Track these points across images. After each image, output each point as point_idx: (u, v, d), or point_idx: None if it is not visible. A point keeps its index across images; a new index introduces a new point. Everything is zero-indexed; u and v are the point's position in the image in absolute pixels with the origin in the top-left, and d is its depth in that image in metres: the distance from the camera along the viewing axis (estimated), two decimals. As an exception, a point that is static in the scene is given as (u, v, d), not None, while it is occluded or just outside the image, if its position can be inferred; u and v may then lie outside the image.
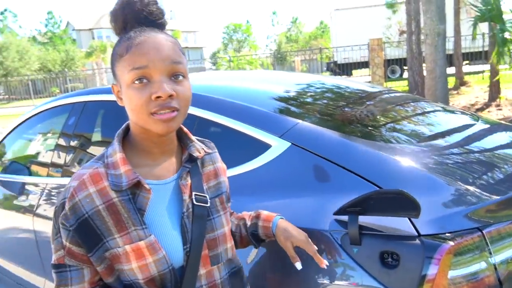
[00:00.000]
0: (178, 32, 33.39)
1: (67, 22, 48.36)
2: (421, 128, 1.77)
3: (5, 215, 2.40)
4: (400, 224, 1.09)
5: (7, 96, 28.26)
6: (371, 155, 1.31)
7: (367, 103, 2.04)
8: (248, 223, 1.17)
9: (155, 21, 0.89)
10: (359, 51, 16.17)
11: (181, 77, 0.85)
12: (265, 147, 1.43)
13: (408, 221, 1.09)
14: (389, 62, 17.51)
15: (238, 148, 1.51)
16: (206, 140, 1.08)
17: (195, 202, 0.94)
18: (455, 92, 11.12)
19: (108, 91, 2.04)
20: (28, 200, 2.25)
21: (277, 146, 1.41)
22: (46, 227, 2.09)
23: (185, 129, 1.00)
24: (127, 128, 0.94)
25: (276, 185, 1.37)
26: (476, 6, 7.09)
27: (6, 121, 15.30)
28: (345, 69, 19.61)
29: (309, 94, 2.05)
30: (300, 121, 1.47)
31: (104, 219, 0.84)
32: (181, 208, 0.93)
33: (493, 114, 7.80)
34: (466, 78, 12.75)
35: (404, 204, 1.03)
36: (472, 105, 8.96)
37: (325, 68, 22.07)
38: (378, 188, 1.18)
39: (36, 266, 2.23)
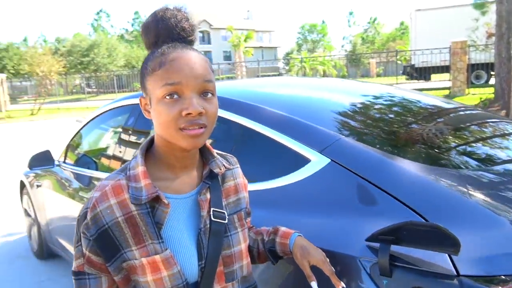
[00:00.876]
0: (252, 33, 33.92)
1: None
2: (484, 152, 1.61)
3: (73, 203, 2.61)
4: (438, 260, 0.99)
5: (96, 90, 30.83)
6: (420, 181, 1.21)
7: (428, 121, 1.89)
8: (266, 238, 1.15)
9: (187, 38, 0.90)
10: (439, 54, 15.17)
11: (210, 95, 0.86)
12: (304, 161, 1.39)
13: (448, 258, 0.99)
14: (473, 67, 16.22)
15: (276, 160, 1.49)
16: (229, 154, 1.08)
17: (212, 218, 0.94)
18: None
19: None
20: (90, 191, 2.42)
21: (316, 161, 1.36)
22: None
23: (207, 144, 1.00)
24: (151, 141, 0.96)
25: (311, 202, 1.32)
26: None
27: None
28: (423, 73, 18.53)
29: (364, 106, 1.96)
30: (342, 136, 1.40)
31: (123, 231, 0.87)
32: (198, 223, 0.93)
33: None
34: None
35: (441, 239, 0.94)
36: None
37: (401, 72, 21.01)
38: (421, 219, 1.09)
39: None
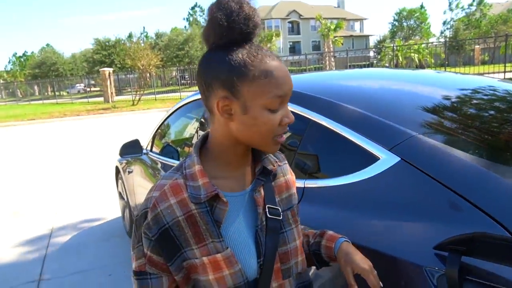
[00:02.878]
0: (342, 22, 32.91)
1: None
2: None
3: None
4: (516, 277, 0.87)
5: (189, 81, 32.64)
6: (505, 188, 1.06)
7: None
8: (312, 241, 1.11)
9: (255, 34, 0.85)
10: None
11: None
12: (372, 159, 1.31)
13: (528, 276, 0.86)
14: None
15: (344, 157, 1.43)
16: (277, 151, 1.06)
17: (268, 215, 0.93)
18: None
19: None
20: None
21: (385, 159, 1.27)
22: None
23: None
24: (204, 140, 0.96)
25: (377, 202, 1.24)
26: None
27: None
28: (538, 60, 16.33)
29: (454, 102, 1.77)
30: (416, 133, 1.29)
31: (183, 230, 0.87)
32: (255, 220, 0.93)
33: None
34: None
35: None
36: None
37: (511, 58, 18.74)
38: (504, 230, 0.96)
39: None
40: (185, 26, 53.37)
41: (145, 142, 3.52)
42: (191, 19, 55.26)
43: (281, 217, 0.95)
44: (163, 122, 3.23)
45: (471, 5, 51.73)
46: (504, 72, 15.66)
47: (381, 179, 1.26)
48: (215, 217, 0.88)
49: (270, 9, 51.86)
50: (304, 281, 1.01)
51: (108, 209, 4.98)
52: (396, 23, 59.55)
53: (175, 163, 2.72)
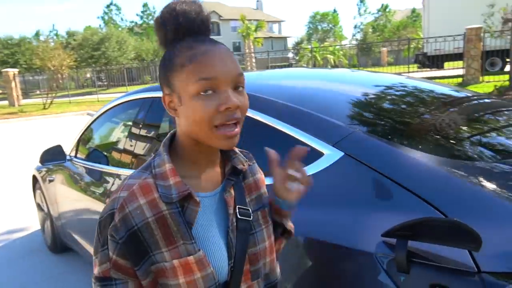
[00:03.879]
0: (263, 23, 33.67)
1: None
2: (504, 143, 1.55)
3: (84, 197, 2.62)
4: (457, 256, 0.96)
5: (106, 83, 31.01)
6: (437, 174, 1.17)
7: (443, 111, 1.84)
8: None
9: (206, 30, 0.86)
10: (453, 42, 14.86)
11: (241, 88, 0.84)
12: (317, 155, 1.36)
13: (468, 254, 0.95)
14: (487, 54, 15.87)
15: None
16: (245, 151, 1.05)
17: (239, 216, 0.91)
18: None
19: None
20: (102, 187, 2.43)
21: (330, 155, 1.33)
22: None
23: None
24: (172, 138, 0.93)
25: (324, 196, 1.29)
26: None
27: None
28: (435, 61, 18.20)
29: (378, 98, 1.91)
30: (357, 129, 1.37)
31: (153, 232, 0.82)
32: (226, 222, 0.91)
33: None
34: None
35: (461, 234, 0.90)
36: None
37: (413, 60, 20.67)
38: (440, 214, 1.05)
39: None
40: (100, 25, 50.65)
41: (68, 148, 3.27)
42: (106, 17, 52.54)
43: (251, 218, 0.94)
44: (88, 127, 3.03)
45: (379, 10, 56.06)
46: (408, 72, 17.21)
47: (327, 174, 1.31)
48: (187, 218, 0.85)
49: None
50: (272, 281, 1.00)
51: (24, 222, 4.54)
52: (311, 26, 62.43)
53: (103, 168, 2.56)
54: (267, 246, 0.97)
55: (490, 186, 1.12)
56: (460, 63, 16.08)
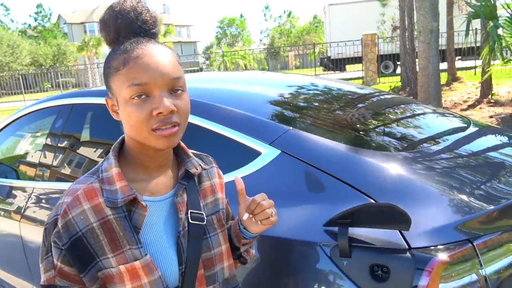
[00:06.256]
0: (172, 27, 33.16)
1: (58, 16, 47.75)
2: (411, 133, 1.76)
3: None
4: (390, 236, 1.07)
5: (-3, 91, 27.85)
6: (364, 164, 1.29)
7: (358, 107, 2.02)
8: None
9: (149, 31, 0.85)
10: (353, 46, 16.15)
11: (180, 91, 0.83)
12: (254, 154, 1.40)
13: (399, 234, 1.07)
14: (382, 58, 17.52)
15: (227, 155, 1.48)
16: (204, 154, 1.05)
17: (190, 221, 0.91)
18: (448, 88, 11.13)
19: (95, 94, 2.00)
20: (15, 203, 2.21)
21: (267, 153, 1.38)
22: (33, 232, 2.06)
23: (182, 143, 0.97)
24: (122, 142, 0.91)
25: (266, 193, 1.34)
26: (469, 3, 7.09)
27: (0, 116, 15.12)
28: (338, 64, 19.58)
29: (299, 97, 2.02)
30: (290, 127, 1.44)
31: (98, 237, 0.81)
32: (176, 226, 0.90)
33: (484, 111, 7.83)
34: (459, 73, 12.77)
35: (394, 217, 1.02)
36: (465, 101, 8.98)
37: (318, 63, 22.02)
38: (371, 200, 1.16)
39: (23, 272, 2.19)
40: (-16, 27, 45.42)
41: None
42: (-8, 18, 47.33)
43: (205, 222, 0.94)
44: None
45: (280, 16, 58.56)
46: (315, 75, 18.32)
47: (266, 172, 1.36)
48: (133, 223, 0.84)
49: (91, 12, 48.38)
50: (233, 286, 1.01)
51: None
52: (220, 30, 62.97)
53: (16, 183, 2.33)
54: (223, 251, 0.98)
55: (409, 172, 1.27)
56: (360, 66, 17.49)
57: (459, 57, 16.59)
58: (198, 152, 1.04)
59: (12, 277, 2.37)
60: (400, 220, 1.01)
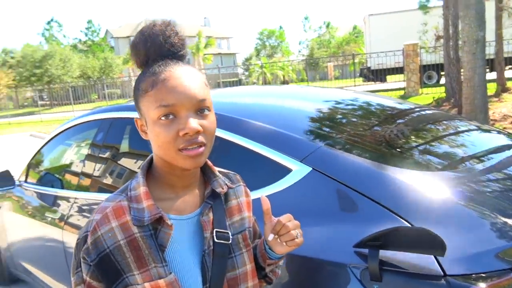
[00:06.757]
0: (213, 40, 33.91)
1: (106, 31, 50.18)
2: (452, 152, 1.68)
3: (38, 224, 2.48)
4: (424, 262, 1.02)
5: (49, 102, 29.56)
6: (398, 184, 1.24)
7: (396, 123, 1.96)
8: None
9: (177, 53, 0.88)
10: (394, 56, 15.79)
11: (206, 111, 0.85)
12: (285, 171, 1.39)
13: (434, 259, 1.02)
14: (425, 68, 16.99)
15: (258, 171, 1.48)
16: (231, 172, 1.06)
17: (216, 240, 0.91)
18: (496, 99, 10.60)
19: (133, 109, 2.08)
20: (58, 211, 2.32)
21: (298, 170, 1.37)
22: (74, 240, 2.14)
23: (209, 162, 0.98)
24: (150, 161, 0.93)
25: (295, 211, 1.32)
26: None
27: (49, 126, 16.00)
28: (379, 75, 19.20)
29: (335, 113, 2.00)
30: (322, 144, 1.42)
31: (125, 255, 0.83)
32: (202, 245, 0.91)
33: (537, 123, 7.38)
34: (509, 84, 12.13)
35: (428, 241, 0.97)
36: (514, 113, 8.51)
37: (358, 74, 21.69)
38: (405, 222, 1.12)
39: (64, 278, 2.28)
40: (40, 42, 48.49)
41: (16, 173, 3.08)
42: (47, 34, 50.40)
43: (231, 241, 0.94)
44: (39, 150, 2.88)
45: (320, 27, 58.37)
46: (354, 86, 18.03)
47: (296, 189, 1.35)
48: (159, 241, 0.85)
49: (136, 26, 50.45)
50: None
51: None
52: (260, 42, 63.63)
53: (60, 192, 2.45)
54: (248, 270, 0.97)
55: (448, 193, 1.22)
56: (401, 77, 17.06)
57: (510, 66, 15.79)
58: (226, 171, 1.05)
59: (54, 282, 2.47)
60: (434, 245, 0.97)
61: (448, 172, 1.42)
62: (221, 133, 1.58)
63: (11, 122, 21.56)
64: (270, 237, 0.96)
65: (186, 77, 0.83)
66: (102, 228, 0.84)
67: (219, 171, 1.00)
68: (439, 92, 13.48)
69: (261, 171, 1.48)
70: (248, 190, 1.08)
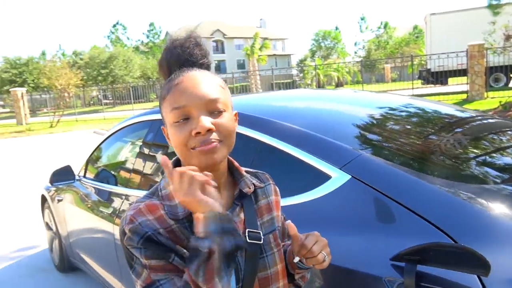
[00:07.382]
0: (268, 42, 34.13)
1: (166, 32, 52.20)
2: (510, 163, 1.57)
3: (93, 217, 2.64)
4: (466, 280, 0.97)
5: (112, 101, 31.32)
6: (443, 196, 1.18)
7: (449, 133, 1.86)
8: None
9: (197, 62, 0.92)
10: (456, 58, 14.94)
11: (221, 112, 0.87)
12: (324, 178, 1.38)
13: (477, 278, 0.96)
14: (491, 70, 15.92)
15: (297, 177, 1.48)
16: (260, 172, 1.07)
17: (248, 240, 0.92)
18: None
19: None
20: (111, 206, 2.45)
21: (337, 178, 1.35)
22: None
23: (236, 163, 0.99)
24: (177, 161, 0.96)
25: (332, 219, 1.30)
26: None
27: (111, 124, 16.94)
28: (439, 77, 18.27)
29: (382, 119, 1.93)
30: (363, 152, 1.39)
31: (167, 240, 0.84)
32: None
33: None
34: None
35: (470, 260, 0.92)
36: None
37: (417, 76, 20.77)
38: (447, 237, 1.06)
39: (114, 269, 2.41)
40: (106, 44, 51.51)
41: (77, 168, 3.31)
42: (112, 37, 53.50)
43: (262, 241, 0.94)
44: (98, 147, 3.07)
45: (379, 27, 56.58)
46: (412, 88, 17.28)
47: (334, 196, 1.33)
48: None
49: (194, 28, 51.98)
50: None
51: (31, 241, 4.55)
52: (315, 43, 63.01)
53: (111, 188, 2.59)
54: (279, 270, 0.98)
55: (498, 209, 1.14)
56: (464, 79, 16.13)
57: None
58: (254, 170, 1.05)
59: (104, 272, 2.62)
60: (477, 265, 0.91)
61: (504, 186, 1.32)
62: (262, 137, 1.60)
63: (77, 119, 23.09)
64: (296, 259, 0.97)
65: (197, 78, 0.86)
66: (139, 218, 0.84)
67: (248, 171, 1.02)
68: (507, 95, 12.58)
69: (300, 177, 1.47)
70: (277, 188, 1.08)
